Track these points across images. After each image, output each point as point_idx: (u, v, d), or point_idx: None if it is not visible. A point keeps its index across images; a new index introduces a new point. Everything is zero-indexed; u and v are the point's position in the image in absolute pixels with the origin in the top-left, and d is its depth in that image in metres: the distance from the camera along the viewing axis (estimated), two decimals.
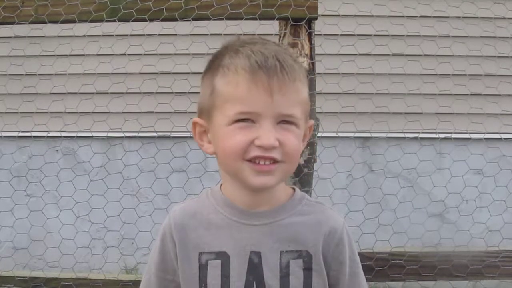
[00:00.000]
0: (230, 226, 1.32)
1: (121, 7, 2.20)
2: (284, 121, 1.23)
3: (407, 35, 3.78)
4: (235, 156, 1.24)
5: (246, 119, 1.22)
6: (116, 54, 3.82)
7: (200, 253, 1.33)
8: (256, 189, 1.27)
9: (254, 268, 1.30)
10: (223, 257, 1.31)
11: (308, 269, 1.31)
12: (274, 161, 1.23)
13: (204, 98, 1.31)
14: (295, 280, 1.30)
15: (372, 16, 3.77)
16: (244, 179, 1.26)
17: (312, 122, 1.37)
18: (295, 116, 1.24)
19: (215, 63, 1.30)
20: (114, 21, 2.23)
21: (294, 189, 1.40)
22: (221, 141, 1.27)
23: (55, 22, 2.26)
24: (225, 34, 2.92)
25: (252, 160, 1.23)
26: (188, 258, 1.33)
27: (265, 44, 1.28)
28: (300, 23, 2.13)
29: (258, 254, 1.30)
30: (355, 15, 3.64)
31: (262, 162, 1.23)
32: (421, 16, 3.89)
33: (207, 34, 3.10)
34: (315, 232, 1.33)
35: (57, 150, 4.39)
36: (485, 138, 3.77)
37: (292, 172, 1.34)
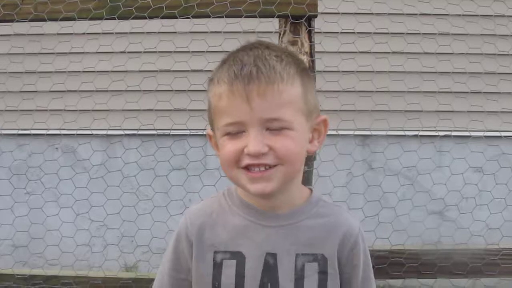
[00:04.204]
0: (247, 227, 1.32)
1: (121, 5, 2.19)
2: (274, 125, 1.21)
3: (407, 33, 3.78)
4: (229, 165, 1.25)
5: (235, 129, 1.22)
6: (116, 52, 3.83)
7: (215, 252, 1.33)
8: (257, 195, 1.27)
9: (269, 269, 1.30)
10: (239, 257, 1.31)
11: (323, 273, 1.31)
12: (270, 166, 1.22)
13: (208, 110, 1.32)
14: (310, 283, 1.30)
15: (372, 14, 3.77)
16: (243, 187, 1.27)
17: (323, 117, 1.33)
18: (282, 119, 1.21)
19: (212, 75, 1.32)
20: (114, 19, 2.23)
21: (311, 190, 1.40)
22: (219, 151, 1.29)
23: (55, 20, 2.27)
24: (224, 32, 2.94)
25: (246, 168, 1.23)
26: (203, 257, 1.34)
27: (252, 49, 1.26)
28: (300, 21, 2.13)
29: (274, 256, 1.30)
30: (355, 13, 3.64)
31: (256, 169, 1.22)
32: (421, 14, 3.89)
33: (206, 32, 3.10)
34: (331, 235, 1.33)
35: (56, 148, 4.38)
36: (485, 136, 3.77)
37: (295, 173, 1.30)
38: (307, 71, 1.32)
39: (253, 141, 1.20)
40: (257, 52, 1.24)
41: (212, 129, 1.32)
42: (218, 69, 1.28)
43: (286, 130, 1.22)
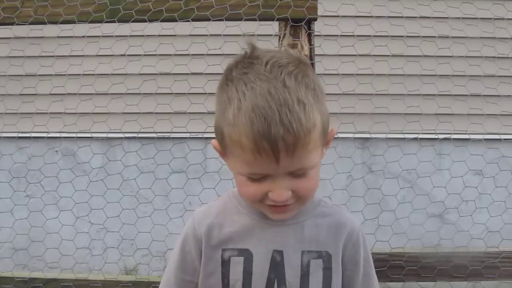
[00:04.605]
0: (254, 225, 1.35)
1: (121, 8, 2.20)
2: (299, 172, 1.21)
3: (407, 36, 3.78)
4: (252, 202, 1.28)
5: (259, 177, 1.22)
6: (116, 55, 3.83)
7: (223, 250, 1.34)
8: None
9: (276, 266, 1.32)
10: (246, 254, 1.33)
11: (327, 269, 1.34)
12: None
13: (217, 130, 1.26)
14: (315, 279, 1.33)
15: (371, 17, 3.77)
16: (263, 212, 1.32)
17: (334, 130, 1.32)
18: (307, 167, 1.21)
19: (223, 97, 1.23)
20: (114, 22, 2.23)
21: None
22: (236, 182, 1.29)
23: (55, 23, 2.27)
24: (224, 35, 2.94)
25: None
26: (212, 255, 1.35)
27: (268, 83, 1.17)
28: (300, 24, 2.13)
29: (281, 253, 1.33)
30: (355, 16, 3.64)
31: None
32: (420, 17, 3.90)
33: (206, 35, 3.10)
34: (336, 234, 1.36)
35: (56, 151, 4.39)
36: (484, 139, 3.77)
37: (311, 200, 1.34)
38: (322, 92, 1.25)
39: (279, 191, 1.21)
40: (277, 95, 1.16)
41: (222, 148, 1.28)
42: (233, 111, 1.19)
43: (310, 170, 1.23)
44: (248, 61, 1.24)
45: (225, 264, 1.33)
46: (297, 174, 1.21)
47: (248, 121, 1.16)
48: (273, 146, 1.15)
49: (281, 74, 1.19)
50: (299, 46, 2.13)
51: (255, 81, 1.19)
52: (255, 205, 1.30)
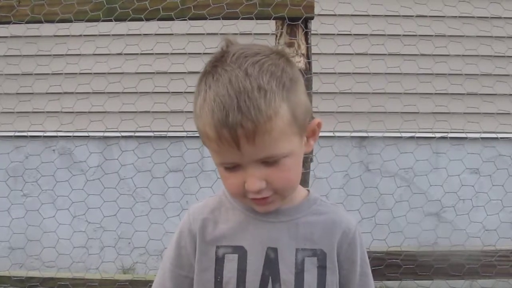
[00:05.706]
0: (248, 222, 1.35)
1: (118, 7, 2.19)
2: (269, 160, 1.21)
3: (404, 35, 3.79)
4: (236, 195, 1.29)
5: (230, 166, 1.23)
6: (113, 54, 3.82)
7: (218, 247, 1.34)
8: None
9: (270, 263, 1.32)
10: (240, 251, 1.33)
11: (322, 267, 1.34)
12: None
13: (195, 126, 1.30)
14: (310, 277, 1.33)
15: (368, 15, 3.77)
16: (249, 206, 1.32)
17: (316, 121, 1.34)
18: (276, 155, 1.20)
19: (195, 92, 1.26)
20: (111, 20, 2.23)
21: (308, 190, 1.43)
22: (220, 175, 1.29)
23: (52, 21, 2.26)
24: (221, 34, 2.94)
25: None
26: (206, 252, 1.35)
27: (233, 71, 1.18)
28: (297, 23, 2.13)
29: (275, 250, 1.32)
30: (352, 15, 3.64)
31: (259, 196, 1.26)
32: (417, 16, 3.90)
33: (203, 34, 3.10)
34: (331, 232, 1.36)
35: (53, 150, 4.38)
36: (481, 138, 3.78)
37: (292, 192, 1.33)
38: (292, 80, 1.24)
39: (250, 181, 1.21)
40: (237, 83, 1.17)
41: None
42: (199, 102, 1.22)
43: (282, 159, 1.22)
44: (219, 56, 1.25)
45: (219, 261, 1.33)
46: (269, 162, 1.21)
47: (210, 111, 1.18)
48: (232, 134, 1.16)
49: (245, 63, 1.20)
50: (296, 45, 2.13)
51: (220, 73, 1.20)
52: (241, 200, 1.30)
